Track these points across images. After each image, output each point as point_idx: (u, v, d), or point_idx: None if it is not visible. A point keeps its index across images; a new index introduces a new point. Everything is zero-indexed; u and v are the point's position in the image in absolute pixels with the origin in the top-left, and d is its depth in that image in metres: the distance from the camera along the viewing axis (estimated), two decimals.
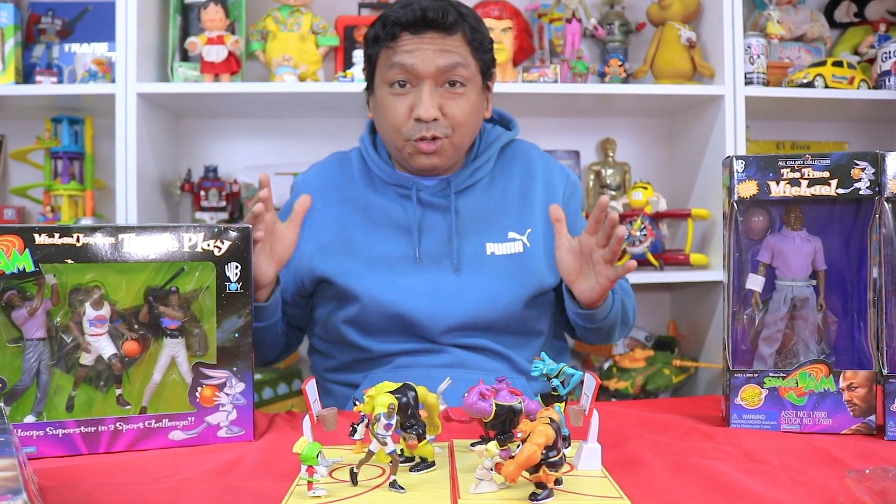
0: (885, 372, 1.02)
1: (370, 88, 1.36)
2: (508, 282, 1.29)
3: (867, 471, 0.76)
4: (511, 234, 1.33)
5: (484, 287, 1.29)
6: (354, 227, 1.33)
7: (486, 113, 1.39)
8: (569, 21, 2.15)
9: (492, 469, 0.77)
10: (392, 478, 0.79)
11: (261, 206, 1.13)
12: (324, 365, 1.39)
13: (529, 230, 1.35)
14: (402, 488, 0.78)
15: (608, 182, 2.26)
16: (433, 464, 0.86)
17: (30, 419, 0.96)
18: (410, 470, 0.85)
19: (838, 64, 2.08)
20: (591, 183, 2.28)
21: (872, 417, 1.03)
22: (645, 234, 2.00)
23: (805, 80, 2.05)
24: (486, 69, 1.34)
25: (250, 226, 1.05)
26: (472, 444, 0.92)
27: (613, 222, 1.10)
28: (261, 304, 1.21)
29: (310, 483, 0.78)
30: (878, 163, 1.04)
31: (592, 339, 1.38)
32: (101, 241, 0.98)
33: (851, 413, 1.04)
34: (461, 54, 1.27)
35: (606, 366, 2.14)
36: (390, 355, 1.30)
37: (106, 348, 0.99)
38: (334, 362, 1.36)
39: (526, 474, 0.75)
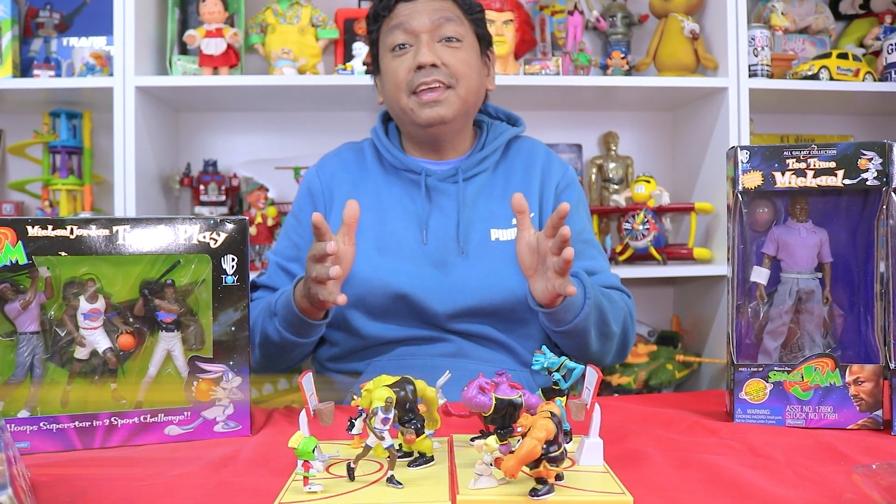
0: (892, 366, 1.01)
1: (377, 70, 1.41)
2: (512, 267, 1.28)
3: (874, 466, 0.74)
4: (515, 220, 1.33)
5: (489, 271, 1.30)
6: (365, 209, 1.34)
7: (489, 85, 1.42)
8: (571, 13, 2.13)
9: (491, 464, 0.75)
10: (390, 473, 0.78)
11: (337, 269, 1.05)
12: (327, 353, 1.38)
13: (532, 214, 1.35)
14: (401, 484, 0.77)
15: (611, 176, 2.25)
16: (432, 459, 0.85)
17: (23, 414, 0.95)
18: (409, 465, 0.83)
19: (843, 56, 2.05)
20: (593, 177, 2.26)
21: (879, 412, 1.02)
22: (648, 228, 1.99)
23: (810, 73, 2.03)
24: (481, 36, 1.39)
25: (246, 217, 1.04)
26: (472, 439, 0.91)
27: (564, 238, 1.03)
28: (319, 321, 1.21)
29: (306, 478, 0.76)
30: (885, 153, 1.02)
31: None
32: (95, 234, 0.96)
33: (858, 408, 1.02)
34: (454, 12, 1.34)
35: None
36: (394, 342, 1.31)
37: (101, 342, 0.98)
38: (337, 350, 1.36)
39: (526, 469, 0.73)
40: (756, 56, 2.01)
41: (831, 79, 2.03)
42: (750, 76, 1.98)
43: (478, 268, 1.30)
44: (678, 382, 2.10)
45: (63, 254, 0.96)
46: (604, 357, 1.33)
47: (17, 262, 0.94)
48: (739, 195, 1.06)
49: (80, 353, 0.98)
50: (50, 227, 0.95)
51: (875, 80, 2.07)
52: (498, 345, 1.31)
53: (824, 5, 2.29)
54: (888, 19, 2.23)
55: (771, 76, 2.03)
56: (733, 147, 1.06)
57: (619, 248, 2.05)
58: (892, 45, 2.05)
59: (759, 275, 1.10)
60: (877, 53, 2.15)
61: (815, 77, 2.02)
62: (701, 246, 2.08)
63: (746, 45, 1.98)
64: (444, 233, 1.33)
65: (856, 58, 2.07)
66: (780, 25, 2.13)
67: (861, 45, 2.24)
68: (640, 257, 2.03)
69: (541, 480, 0.73)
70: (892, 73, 2.05)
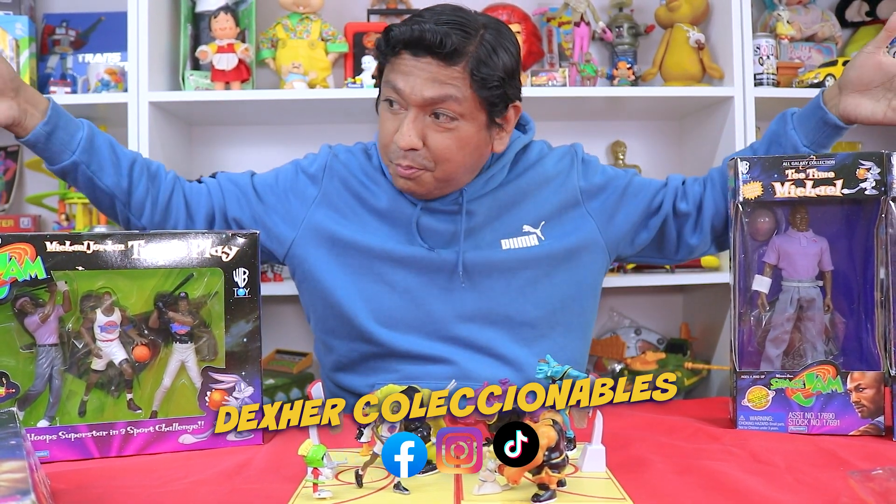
0: (892, 373, 1.02)
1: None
2: (523, 274, 1.29)
3: (879, 470, 0.75)
4: (525, 228, 1.32)
5: (499, 285, 1.29)
6: (367, 222, 1.32)
7: (499, 146, 1.28)
8: (577, 24, 2.15)
9: (495, 470, 0.77)
10: (397, 479, 0.80)
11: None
12: (328, 360, 1.39)
13: (543, 223, 1.32)
14: (407, 490, 0.79)
15: None
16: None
17: (43, 424, 0.97)
18: None
19: None
20: None
21: (881, 418, 1.03)
22: None
23: (815, 81, 2.04)
24: (493, 106, 1.21)
25: (257, 232, 1.06)
26: None
27: None
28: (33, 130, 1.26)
29: (315, 485, 0.79)
30: (883, 163, 1.03)
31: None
32: (111, 248, 0.99)
33: (859, 414, 1.03)
34: (457, 87, 1.16)
35: (618, 368, 2.14)
36: (399, 354, 1.29)
37: (117, 353, 1.01)
38: (343, 359, 1.36)
39: (529, 475, 0.75)
40: (762, 65, 2.02)
41: None
42: (756, 85, 1.99)
43: (480, 284, 1.29)
44: (687, 389, 2.11)
45: (80, 268, 0.99)
46: None
47: (36, 276, 0.97)
48: (740, 205, 1.08)
49: (97, 364, 1.01)
50: (67, 242, 0.98)
51: None
52: (503, 360, 1.29)
53: (830, 13, 2.30)
54: None
55: (777, 84, 2.04)
56: (733, 158, 1.08)
57: None
58: None
59: (761, 283, 1.11)
60: None
61: (821, 85, 2.03)
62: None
63: (752, 54, 2.00)
64: (446, 256, 1.29)
65: None
66: (785, 34, 2.15)
67: None
68: (649, 265, 2.05)
69: (543, 486, 0.75)
70: None
